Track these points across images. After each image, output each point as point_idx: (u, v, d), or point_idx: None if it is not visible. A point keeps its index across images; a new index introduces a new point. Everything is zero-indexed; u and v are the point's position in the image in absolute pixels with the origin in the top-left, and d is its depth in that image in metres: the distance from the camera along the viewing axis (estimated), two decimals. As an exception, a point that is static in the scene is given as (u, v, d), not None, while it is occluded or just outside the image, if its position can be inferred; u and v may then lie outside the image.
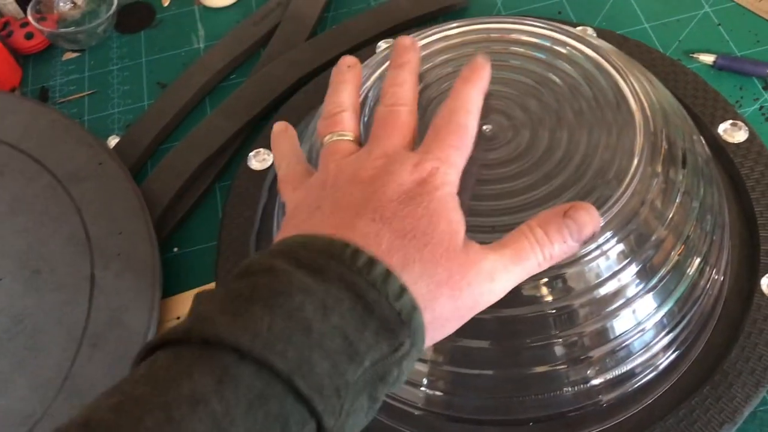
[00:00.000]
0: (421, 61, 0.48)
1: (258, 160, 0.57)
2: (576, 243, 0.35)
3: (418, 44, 0.43)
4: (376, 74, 0.47)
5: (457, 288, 0.33)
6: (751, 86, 0.58)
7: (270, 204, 0.55)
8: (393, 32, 0.65)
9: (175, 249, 0.58)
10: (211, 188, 0.61)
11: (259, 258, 0.31)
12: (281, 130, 0.45)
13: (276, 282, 0.30)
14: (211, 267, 0.54)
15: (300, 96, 0.60)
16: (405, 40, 0.43)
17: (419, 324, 0.31)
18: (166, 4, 0.74)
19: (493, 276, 0.33)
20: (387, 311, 0.30)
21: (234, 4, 0.72)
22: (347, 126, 0.39)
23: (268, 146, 0.57)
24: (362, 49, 0.63)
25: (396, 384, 0.31)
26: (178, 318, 0.54)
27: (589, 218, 0.35)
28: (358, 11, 0.69)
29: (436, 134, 0.37)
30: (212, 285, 0.54)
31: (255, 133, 0.61)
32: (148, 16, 0.73)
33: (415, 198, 0.34)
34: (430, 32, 0.48)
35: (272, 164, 0.56)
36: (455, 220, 0.34)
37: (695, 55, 0.60)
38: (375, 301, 0.30)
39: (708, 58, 0.60)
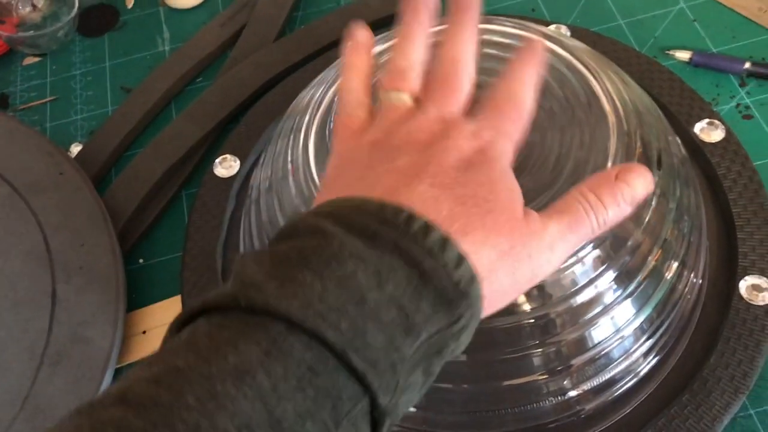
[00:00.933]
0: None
1: (224, 166, 0.55)
2: (629, 206, 0.34)
3: (478, 4, 0.39)
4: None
5: (518, 259, 0.31)
6: (728, 83, 0.57)
7: (237, 211, 0.53)
8: (363, 32, 0.63)
9: (141, 260, 0.56)
10: (177, 196, 0.59)
11: (306, 218, 0.29)
12: (358, 45, 0.40)
13: (326, 245, 0.28)
14: (177, 279, 0.52)
15: (266, 100, 0.58)
16: None
17: (477, 295, 0.29)
18: (129, 6, 0.72)
19: (553, 246, 0.32)
20: (444, 281, 0.28)
21: (200, 5, 0.70)
22: (413, 86, 0.37)
23: (234, 152, 0.56)
24: (332, 49, 0.62)
25: (452, 356, 0.30)
26: (144, 332, 0.53)
27: (642, 180, 0.34)
28: (326, 11, 0.67)
29: (496, 105, 0.35)
30: (179, 298, 0.52)
31: (222, 138, 0.60)
32: (111, 19, 0.71)
33: (475, 165, 0.32)
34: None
35: (238, 171, 0.55)
36: (516, 189, 0.33)
37: (671, 52, 0.59)
38: (432, 270, 0.28)
39: (684, 55, 0.59)
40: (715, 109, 0.54)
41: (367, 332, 0.26)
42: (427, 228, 0.29)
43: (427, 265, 0.28)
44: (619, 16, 0.62)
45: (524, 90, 0.36)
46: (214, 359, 0.25)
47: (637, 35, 0.61)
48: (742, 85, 0.57)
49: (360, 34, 0.40)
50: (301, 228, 0.29)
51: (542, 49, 0.38)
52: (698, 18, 0.61)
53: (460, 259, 0.29)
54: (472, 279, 0.29)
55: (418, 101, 0.36)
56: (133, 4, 0.72)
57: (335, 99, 0.44)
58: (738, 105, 0.56)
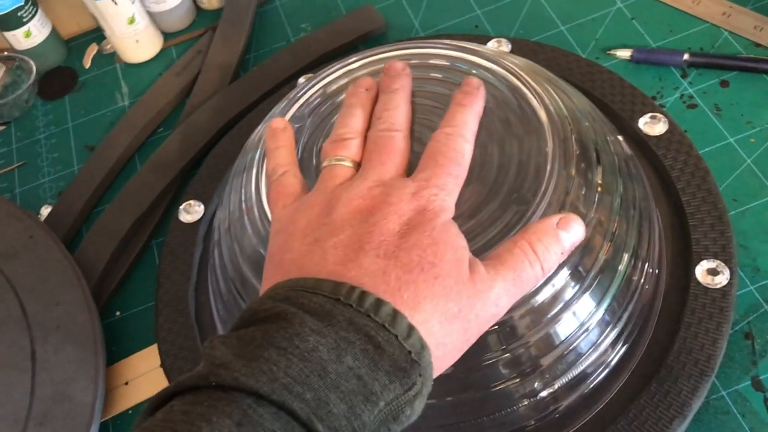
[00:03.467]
0: (341, 89, 0.48)
1: (189, 212, 0.56)
2: (567, 253, 0.36)
3: (408, 69, 0.43)
4: (296, 106, 0.47)
5: (467, 320, 0.33)
6: (670, 76, 0.59)
7: (205, 254, 0.54)
8: (313, 66, 0.65)
9: (117, 313, 0.57)
10: (147, 246, 0.60)
11: (264, 303, 0.31)
12: (279, 128, 0.44)
13: (288, 325, 0.30)
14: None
15: (225, 142, 0.60)
16: (396, 65, 0.43)
17: (428, 362, 0.31)
18: (87, 66, 0.73)
19: (498, 302, 0.34)
20: (398, 351, 0.30)
21: (154, 57, 0.72)
22: (352, 153, 0.39)
23: (197, 197, 0.57)
24: (284, 86, 0.63)
25: (408, 422, 0.31)
26: (126, 383, 0.53)
27: (580, 228, 0.37)
28: (277, 49, 0.69)
29: (433, 160, 0.37)
30: (154, 346, 0.53)
31: (186, 185, 0.61)
32: (70, 80, 0.72)
33: (417, 227, 0.33)
34: (351, 60, 0.48)
35: (203, 215, 0.56)
36: (460, 246, 0.34)
37: (612, 52, 0.61)
38: (386, 342, 0.30)
39: (625, 53, 0.60)
40: (659, 103, 0.56)
41: (330, 402, 0.28)
42: (378, 303, 0.31)
43: (381, 338, 0.30)
44: (559, 22, 0.64)
45: (460, 139, 0.38)
46: None
47: (579, 39, 0.63)
48: (684, 76, 0.58)
49: (276, 121, 0.44)
50: (262, 314, 0.31)
51: (480, 89, 0.41)
52: (636, 16, 0.63)
53: (410, 330, 0.31)
54: (423, 347, 0.31)
55: (359, 167, 0.38)
56: (91, 64, 0.73)
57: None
58: (682, 95, 0.57)
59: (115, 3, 0.67)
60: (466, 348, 0.34)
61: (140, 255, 0.59)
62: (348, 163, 0.38)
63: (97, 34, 0.75)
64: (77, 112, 0.70)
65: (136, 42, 0.70)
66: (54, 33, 0.73)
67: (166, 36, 0.73)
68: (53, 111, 0.71)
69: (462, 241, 0.34)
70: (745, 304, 0.47)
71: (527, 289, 0.35)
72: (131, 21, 0.68)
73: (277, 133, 0.43)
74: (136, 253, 0.59)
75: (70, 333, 0.53)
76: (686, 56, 0.58)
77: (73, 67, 0.73)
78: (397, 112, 0.40)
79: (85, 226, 0.62)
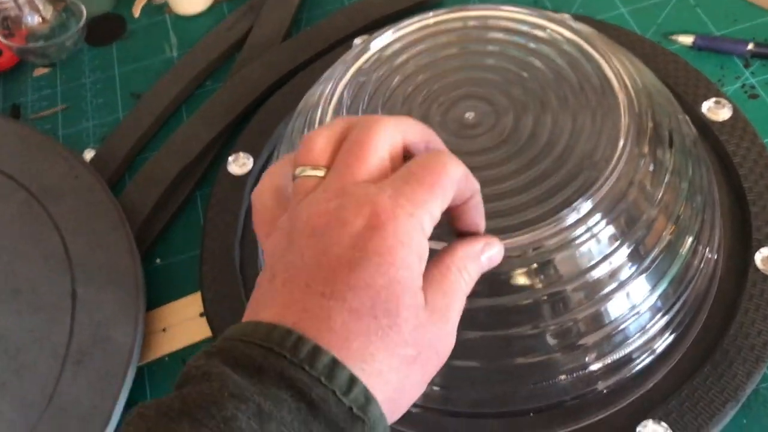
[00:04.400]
0: (399, 51, 0.47)
1: (238, 164, 0.56)
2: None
3: None
4: (353, 68, 0.46)
5: (427, 359, 0.29)
6: (732, 65, 0.58)
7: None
8: (368, 29, 0.64)
9: (158, 260, 0.57)
10: (191, 196, 0.59)
11: (198, 360, 0.28)
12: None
13: (208, 390, 0.26)
14: (195, 277, 0.53)
15: (277, 98, 0.59)
16: None
17: (377, 415, 0.27)
18: (137, 15, 0.73)
19: (454, 331, 0.31)
20: (335, 409, 0.26)
21: (206, 11, 0.71)
22: (318, 156, 0.31)
23: (247, 149, 0.56)
24: (337, 48, 0.62)
25: None
26: (164, 329, 0.53)
27: (500, 254, 0.34)
28: (332, 11, 0.68)
29: (409, 170, 0.30)
30: (197, 295, 0.52)
31: (234, 138, 0.60)
32: (119, 28, 0.72)
33: (372, 257, 0.28)
34: (406, 22, 0.47)
35: (252, 168, 0.55)
36: (415, 278, 0.29)
37: (674, 37, 0.60)
38: (321, 398, 0.26)
39: (687, 39, 0.59)
40: (721, 90, 0.55)
41: None
42: (315, 353, 0.26)
43: (316, 394, 0.26)
44: (620, 4, 0.63)
45: (448, 155, 0.31)
46: None
47: (640, 23, 0.62)
48: (747, 66, 0.58)
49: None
50: (192, 373, 0.27)
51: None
52: (699, 4, 0.62)
53: (352, 383, 0.26)
54: (368, 401, 0.27)
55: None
56: (140, 13, 0.73)
57: (344, 93, 0.45)
58: (743, 85, 0.57)
59: (172, -48, 0.66)
60: (429, 379, 0.30)
61: (184, 204, 0.59)
62: (312, 173, 0.31)
63: (147, -17, 0.74)
64: (124, 60, 0.70)
65: (189, -6, 0.70)
66: (105, -21, 0.73)
67: (219, -10, 0.73)
68: (100, 56, 0.70)
69: (417, 269, 0.29)
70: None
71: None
72: (186, -28, 0.68)
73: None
74: (180, 202, 0.58)
75: (112, 275, 0.53)
76: (750, 46, 0.57)
77: (123, 15, 0.73)
78: (385, 120, 0.31)
79: (128, 173, 0.62)
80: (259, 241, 0.34)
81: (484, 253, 0.33)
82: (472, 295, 0.40)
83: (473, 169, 0.41)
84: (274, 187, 0.34)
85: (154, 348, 0.52)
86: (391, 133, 0.31)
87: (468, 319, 0.40)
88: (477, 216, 0.33)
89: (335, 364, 0.26)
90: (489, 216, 0.39)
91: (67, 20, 0.71)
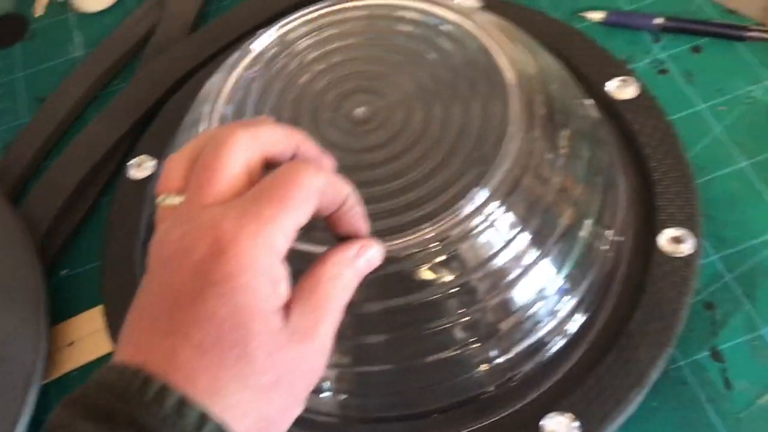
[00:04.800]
0: (295, 40, 0.45)
1: (139, 168, 0.54)
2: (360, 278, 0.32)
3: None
4: (247, 59, 0.45)
5: (291, 382, 0.28)
6: (642, 40, 0.57)
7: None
8: (276, 19, 0.62)
9: (64, 271, 0.55)
10: (97, 202, 0.57)
11: (56, 411, 0.26)
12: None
13: None
14: (101, 286, 0.51)
15: (181, 95, 0.57)
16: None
17: None
18: (38, 15, 0.70)
19: (325, 348, 0.29)
20: None
21: (110, 7, 0.69)
22: (174, 182, 0.30)
23: (150, 152, 0.54)
24: (245, 40, 0.60)
25: None
26: (71, 344, 0.51)
27: (379, 255, 0.32)
28: (239, 1, 0.66)
29: (260, 186, 0.28)
30: (100, 307, 0.51)
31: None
32: (20, 28, 0.69)
33: (215, 286, 0.26)
34: (309, 9, 0.46)
35: (154, 172, 0.53)
36: (272, 305, 0.27)
37: (584, 14, 0.59)
38: None
39: (597, 15, 0.58)
40: (630, 67, 0.54)
41: None
42: (163, 392, 0.25)
43: None
44: (531, -18, 0.62)
45: (303, 168, 0.29)
46: None
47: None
48: (656, 41, 0.57)
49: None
50: (49, 426, 0.26)
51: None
52: (610, -22, 0.61)
53: (203, 421, 0.25)
54: None
55: None
56: (43, 12, 0.70)
57: (236, 85, 0.43)
58: (653, 60, 0.56)
59: (68, -53, 0.63)
60: (302, 400, 0.29)
61: (89, 212, 0.57)
62: (170, 201, 0.30)
63: (50, -20, 0.71)
64: (27, 62, 0.67)
65: (91, -11, 0.67)
66: (4, -23, 0.70)
67: (123, -16, 0.70)
68: (1, 59, 0.67)
69: (274, 287, 0.27)
70: (708, 274, 0.46)
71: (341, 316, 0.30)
72: (85, -33, 0.65)
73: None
74: (85, 210, 0.56)
75: (13, 291, 0.51)
76: (660, 20, 0.57)
77: (24, 14, 0.70)
78: (239, 135, 0.29)
79: (32, 182, 0.59)
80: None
81: (361, 257, 0.32)
82: (375, 298, 0.39)
83: (367, 166, 0.40)
84: (185, 159, 0.31)
85: (60, 364, 0.50)
86: (245, 147, 0.29)
87: (374, 322, 0.40)
88: (355, 221, 0.32)
89: (183, 403, 0.25)
90: (385, 214, 0.38)
91: (-36, 23, 0.68)
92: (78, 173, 0.56)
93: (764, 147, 0.51)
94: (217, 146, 0.29)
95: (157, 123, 0.56)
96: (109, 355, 0.49)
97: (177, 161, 0.30)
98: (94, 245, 0.55)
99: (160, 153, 0.54)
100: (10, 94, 0.65)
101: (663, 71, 0.55)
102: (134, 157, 0.54)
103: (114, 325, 0.48)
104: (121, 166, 0.58)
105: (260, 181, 0.29)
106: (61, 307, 0.53)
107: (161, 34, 0.64)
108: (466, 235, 0.38)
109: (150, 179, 0.53)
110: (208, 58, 0.61)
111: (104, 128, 0.58)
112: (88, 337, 0.51)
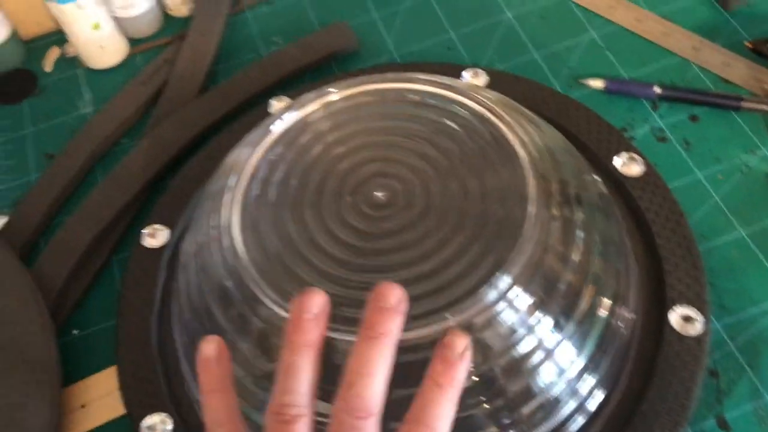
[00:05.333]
0: (314, 123, 0.46)
1: (153, 236, 0.54)
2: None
3: (405, 302, 0.35)
4: (269, 140, 0.46)
5: None
6: (641, 108, 0.59)
7: (170, 281, 0.52)
8: (284, 81, 0.64)
9: (75, 331, 0.55)
10: (108, 262, 0.58)
11: None
12: (212, 357, 0.36)
13: None
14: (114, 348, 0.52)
15: (194, 163, 0.58)
16: (391, 292, 0.34)
17: None
18: (48, 70, 0.71)
19: None
20: None
21: (119, 65, 0.70)
22: (300, 413, 0.32)
23: (161, 221, 0.55)
24: (254, 103, 0.62)
25: None
26: (83, 406, 0.51)
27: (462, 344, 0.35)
28: (246, 62, 0.67)
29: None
30: (112, 368, 0.51)
31: (151, 199, 0.59)
32: (29, 84, 0.70)
33: None
34: (329, 90, 0.47)
35: (168, 241, 0.54)
36: None
37: (585, 81, 0.61)
38: None
39: (598, 83, 0.60)
40: (629, 135, 0.56)
41: None
42: None
43: None
44: (533, 49, 0.64)
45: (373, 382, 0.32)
46: None
47: (552, 66, 0.63)
48: (655, 108, 0.59)
49: (207, 347, 0.36)
50: None
51: (463, 353, 0.35)
52: (608, 46, 0.63)
53: None
54: None
55: None
56: (52, 68, 0.71)
57: (261, 162, 0.44)
58: (652, 128, 0.58)
59: (80, 7, 0.64)
60: None
61: (101, 271, 0.57)
62: None
63: (58, 36, 0.72)
64: (36, 118, 0.68)
65: (101, 48, 0.68)
66: (13, 33, 0.70)
67: (132, 42, 0.71)
68: (10, 116, 0.68)
69: None
70: (711, 341, 0.48)
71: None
72: (96, 26, 0.66)
73: (209, 366, 0.35)
74: (96, 269, 0.57)
75: (23, 353, 0.51)
76: (657, 89, 0.59)
77: (33, 70, 0.71)
78: (375, 382, 0.32)
79: (42, 239, 0.60)
80: None
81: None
82: (396, 386, 0.38)
83: (387, 251, 0.40)
84: (233, 425, 0.35)
85: (73, 426, 0.51)
86: (381, 405, 0.32)
87: (395, 410, 0.39)
88: None
89: None
90: (412, 299, 0.37)
91: (-27, 79, 0.69)
92: (88, 234, 0.57)
93: (761, 215, 0.53)
94: (360, 419, 0.32)
95: (170, 192, 0.56)
96: (121, 419, 0.50)
97: (305, 419, 0.33)
98: (104, 305, 0.56)
99: (172, 222, 0.55)
100: (19, 151, 0.66)
101: (662, 139, 0.57)
102: (148, 224, 0.55)
103: (128, 397, 0.48)
104: (132, 226, 0.59)
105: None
106: (71, 368, 0.53)
107: (170, 94, 0.65)
108: (489, 322, 0.38)
109: (165, 248, 0.53)
110: (218, 120, 0.62)
111: (114, 189, 0.59)
112: (100, 399, 0.51)
